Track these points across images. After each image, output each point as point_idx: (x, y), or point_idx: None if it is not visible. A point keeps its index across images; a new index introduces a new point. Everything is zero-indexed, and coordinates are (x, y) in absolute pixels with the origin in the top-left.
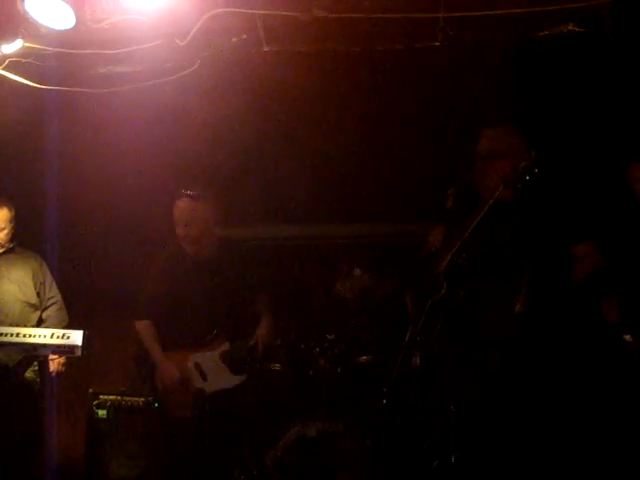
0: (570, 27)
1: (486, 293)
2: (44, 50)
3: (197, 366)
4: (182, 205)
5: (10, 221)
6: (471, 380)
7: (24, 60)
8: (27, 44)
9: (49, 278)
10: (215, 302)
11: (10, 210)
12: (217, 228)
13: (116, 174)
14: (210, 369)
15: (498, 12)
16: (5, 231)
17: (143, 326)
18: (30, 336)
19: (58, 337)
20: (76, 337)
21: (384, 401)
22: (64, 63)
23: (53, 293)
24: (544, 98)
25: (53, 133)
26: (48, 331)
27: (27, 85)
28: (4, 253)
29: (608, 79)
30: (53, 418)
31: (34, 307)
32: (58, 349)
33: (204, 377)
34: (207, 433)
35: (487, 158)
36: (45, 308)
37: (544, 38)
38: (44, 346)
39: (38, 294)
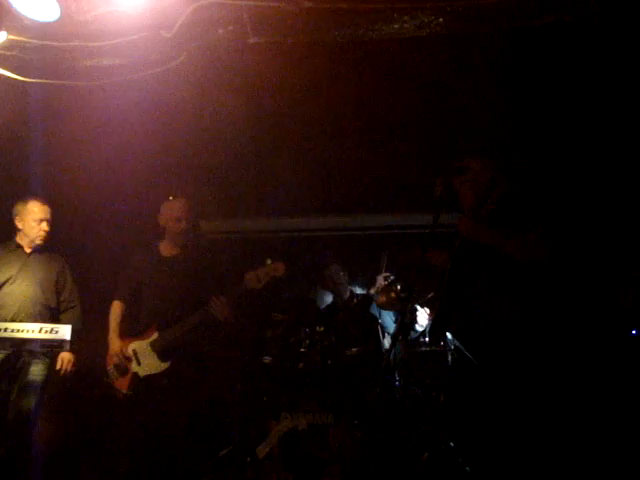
0: (559, 16)
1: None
2: (29, 43)
3: (134, 352)
4: (177, 202)
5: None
6: (463, 370)
7: (8, 53)
8: (11, 36)
9: (69, 282)
10: (164, 296)
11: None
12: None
13: (102, 167)
14: (143, 356)
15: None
16: (48, 228)
17: (113, 305)
18: (19, 331)
19: (46, 331)
20: (64, 332)
21: (377, 390)
22: (49, 56)
23: (73, 298)
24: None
25: (38, 127)
26: (36, 326)
27: (11, 78)
28: (32, 252)
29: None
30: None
31: (53, 310)
32: (46, 343)
33: (138, 362)
34: (141, 412)
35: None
36: (63, 311)
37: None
38: (33, 340)
39: (58, 297)
